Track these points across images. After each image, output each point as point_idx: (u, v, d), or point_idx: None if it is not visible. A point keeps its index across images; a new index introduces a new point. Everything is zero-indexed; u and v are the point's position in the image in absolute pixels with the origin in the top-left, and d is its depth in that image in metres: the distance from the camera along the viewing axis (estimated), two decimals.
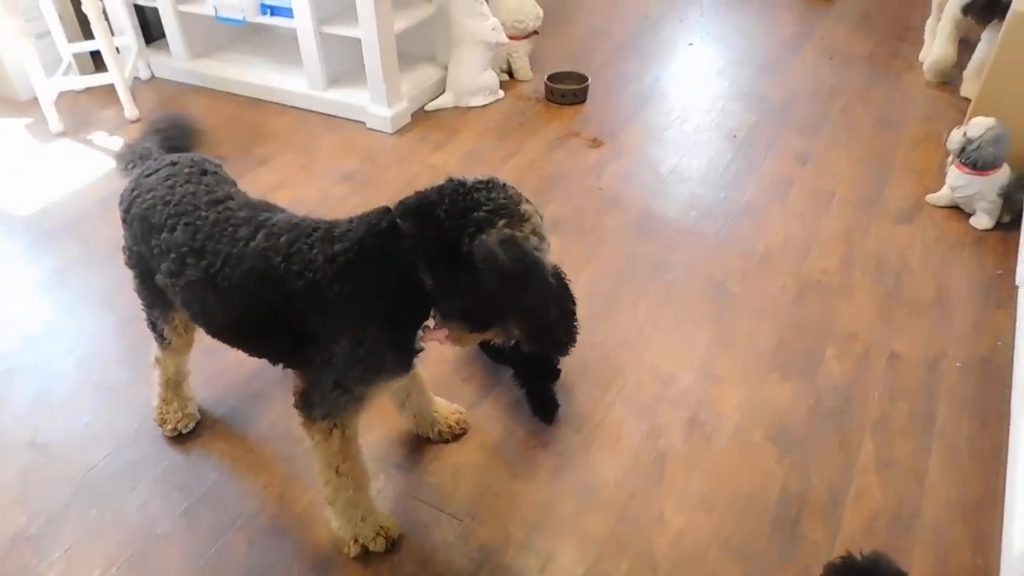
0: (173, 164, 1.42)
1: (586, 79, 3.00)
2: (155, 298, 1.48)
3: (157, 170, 1.41)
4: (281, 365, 1.35)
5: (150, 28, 3.30)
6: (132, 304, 1.99)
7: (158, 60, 3.24)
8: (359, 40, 2.71)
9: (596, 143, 2.69)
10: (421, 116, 2.91)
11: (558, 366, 1.72)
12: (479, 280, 1.09)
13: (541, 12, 3.11)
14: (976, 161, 2.16)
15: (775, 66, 3.27)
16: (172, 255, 1.30)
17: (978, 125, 2.17)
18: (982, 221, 2.23)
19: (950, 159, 2.28)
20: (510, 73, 3.18)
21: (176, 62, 3.20)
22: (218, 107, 3.01)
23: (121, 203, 1.44)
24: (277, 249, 1.22)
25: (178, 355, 1.58)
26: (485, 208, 1.12)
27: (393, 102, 2.80)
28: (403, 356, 1.27)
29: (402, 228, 1.17)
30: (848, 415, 1.69)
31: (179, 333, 1.53)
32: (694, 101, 3.01)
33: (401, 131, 2.81)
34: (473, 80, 2.91)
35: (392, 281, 1.18)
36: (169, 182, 1.37)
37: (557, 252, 2.15)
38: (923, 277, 2.07)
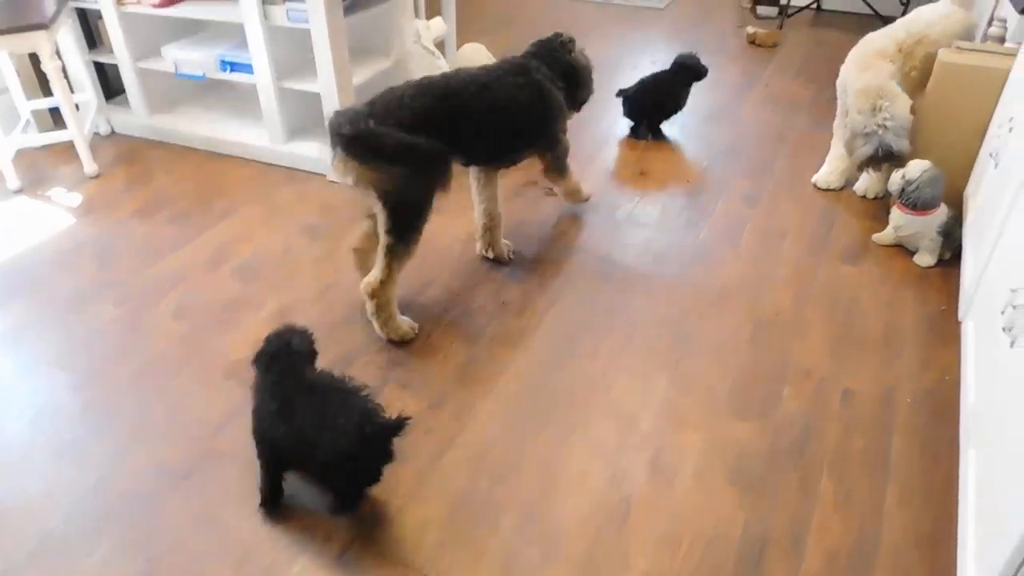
0: None
1: None
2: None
3: None
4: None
5: (110, 84, 3.32)
6: (88, 362, 1.99)
7: (118, 116, 3.25)
8: (318, 94, 2.75)
9: (553, 191, 2.75)
10: None
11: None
12: (580, 79, 2.38)
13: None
14: (915, 202, 2.26)
15: (723, 113, 3.38)
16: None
17: (915, 168, 2.27)
18: (925, 259, 2.32)
19: (892, 200, 2.38)
20: None
21: (136, 118, 3.21)
22: (179, 161, 3.02)
23: None
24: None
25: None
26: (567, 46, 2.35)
27: None
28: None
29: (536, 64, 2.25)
30: (806, 452, 1.73)
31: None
32: (647, 151, 3.09)
33: None
34: None
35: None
36: None
37: (518, 299, 2.20)
38: (872, 314, 2.15)
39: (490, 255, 2.39)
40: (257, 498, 1.60)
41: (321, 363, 1.99)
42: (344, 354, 2.01)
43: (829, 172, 2.75)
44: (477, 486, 1.65)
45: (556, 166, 2.44)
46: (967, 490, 1.52)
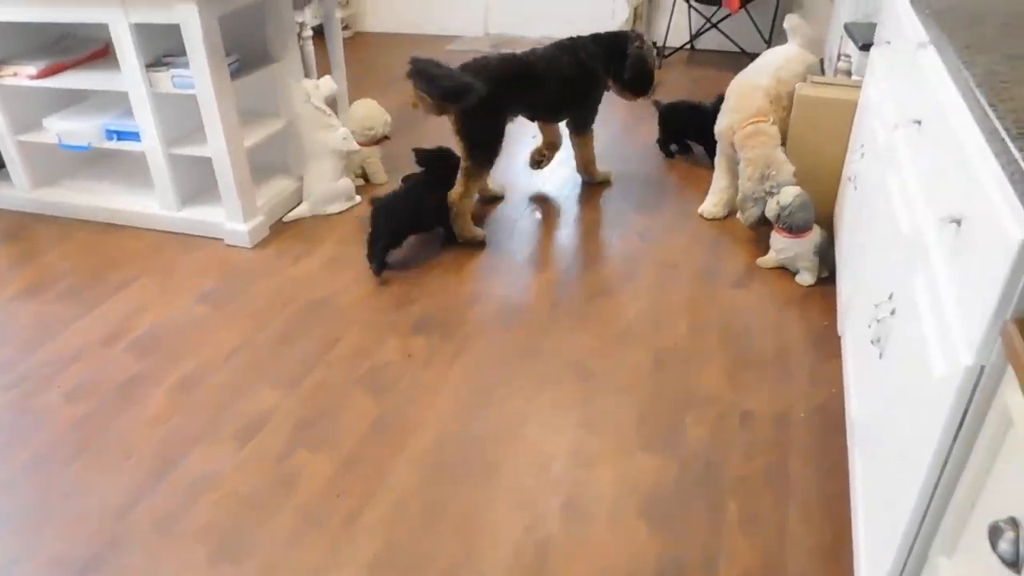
0: None
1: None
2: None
3: None
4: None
5: None
6: None
7: None
8: (210, 158, 2.73)
9: (495, 194, 2.81)
10: (279, 228, 2.94)
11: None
12: (635, 69, 2.94)
13: (389, 118, 3.24)
14: (791, 225, 2.41)
15: (612, 152, 3.52)
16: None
17: (787, 194, 2.43)
18: (805, 278, 2.48)
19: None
20: (365, 178, 3.27)
21: (19, 192, 3.09)
22: (68, 235, 2.92)
23: None
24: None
25: None
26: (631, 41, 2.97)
27: (249, 217, 2.81)
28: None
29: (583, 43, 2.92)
30: (711, 478, 1.80)
31: None
32: (544, 190, 3.19)
33: (260, 245, 2.83)
34: (328, 189, 2.98)
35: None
36: None
37: (424, 351, 2.22)
38: (762, 336, 2.27)
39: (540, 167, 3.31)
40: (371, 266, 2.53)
41: (228, 430, 1.97)
42: (252, 419, 1.98)
43: (714, 204, 2.90)
44: (395, 546, 1.65)
45: (584, 126, 3.09)
46: (857, 499, 1.62)
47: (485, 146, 2.69)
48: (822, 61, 2.85)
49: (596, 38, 2.97)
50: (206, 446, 1.91)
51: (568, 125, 3.12)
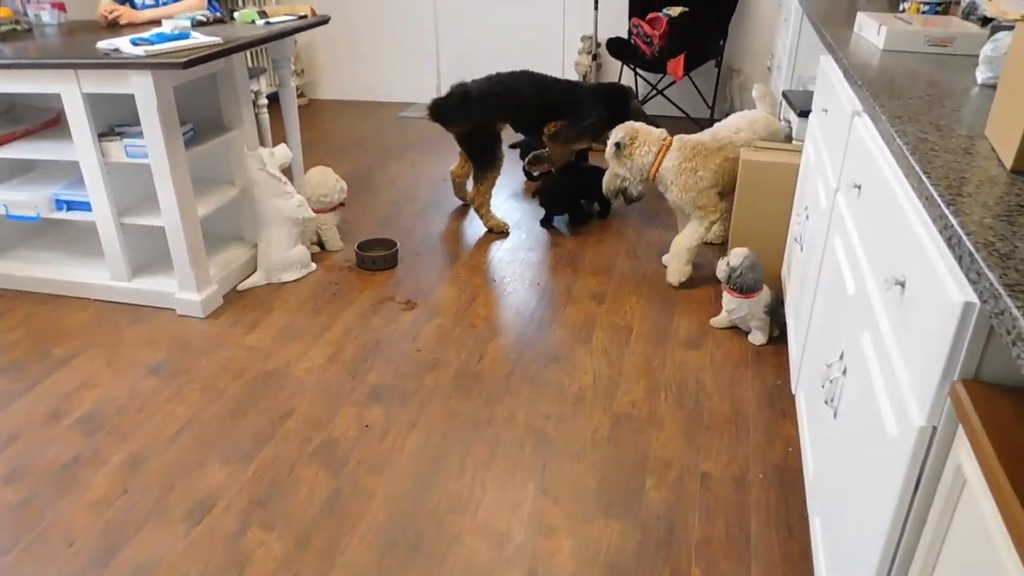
0: None
1: (395, 244, 3.14)
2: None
3: None
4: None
5: None
6: None
7: None
8: (162, 227, 2.69)
9: (410, 305, 2.79)
10: (233, 297, 2.90)
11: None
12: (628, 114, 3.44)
13: (345, 185, 3.25)
14: (741, 286, 2.47)
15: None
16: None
17: (737, 255, 2.49)
18: (757, 337, 2.52)
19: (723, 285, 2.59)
20: (321, 245, 3.26)
21: None
22: (11, 308, 2.83)
23: None
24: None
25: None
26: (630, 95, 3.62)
27: (202, 286, 2.77)
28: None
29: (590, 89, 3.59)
30: (673, 543, 1.79)
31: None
32: (498, 254, 3.22)
33: (213, 315, 2.78)
34: (283, 256, 2.95)
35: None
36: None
37: (380, 422, 2.18)
38: (718, 396, 2.29)
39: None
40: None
41: (177, 511, 1.90)
42: (202, 498, 1.91)
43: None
44: None
45: (557, 136, 3.54)
46: (818, 559, 1.62)
47: (485, 154, 3.36)
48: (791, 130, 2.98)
49: (598, 84, 3.66)
50: (154, 528, 1.83)
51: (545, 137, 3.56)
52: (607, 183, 2.96)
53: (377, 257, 3.07)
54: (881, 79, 1.65)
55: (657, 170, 2.86)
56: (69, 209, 2.82)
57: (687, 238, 2.87)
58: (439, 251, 3.25)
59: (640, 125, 2.93)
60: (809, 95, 2.90)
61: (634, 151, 2.86)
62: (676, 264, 2.91)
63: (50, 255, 3.07)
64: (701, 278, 2.97)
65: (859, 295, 1.44)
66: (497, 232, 3.43)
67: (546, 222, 3.51)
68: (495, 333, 2.64)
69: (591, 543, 1.79)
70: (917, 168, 1.12)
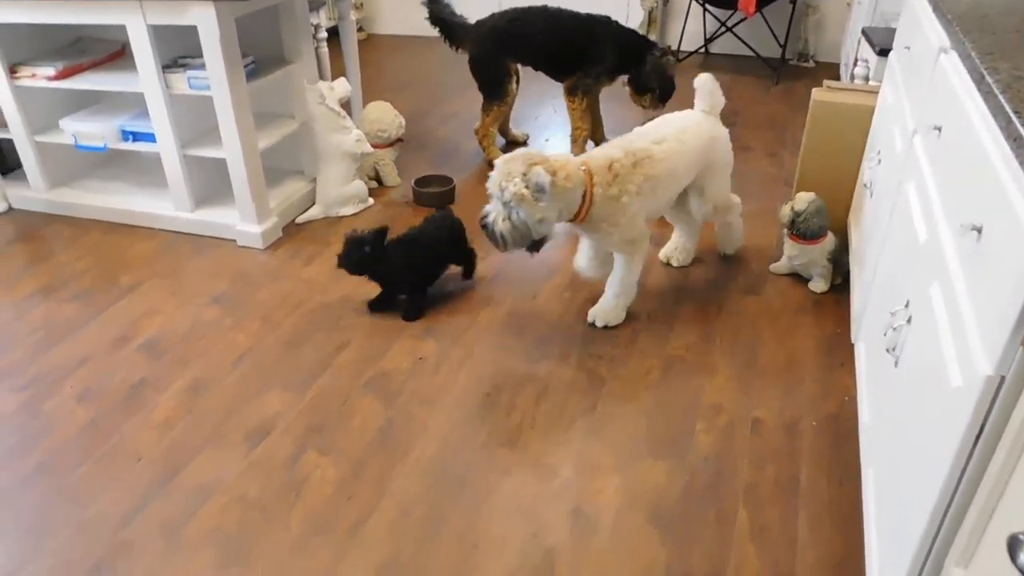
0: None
1: (451, 181, 3.12)
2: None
3: None
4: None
5: (6, 158, 3.21)
6: None
7: (15, 191, 3.15)
8: (224, 160, 2.73)
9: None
10: (292, 229, 2.94)
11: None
12: (655, 74, 3.26)
13: (403, 120, 3.24)
14: (805, 232, 2.39)
15: None
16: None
17: (802, 200, 2.40)
18: (818, 285, 2.45)
19: (785, 230, 2.51)
20: (378, 180, 3.27)
21: (35, 192, 3.11)
22: (81, 236, 2.93)
23: None
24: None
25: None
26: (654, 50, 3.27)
27: (262, 219, 2.81)
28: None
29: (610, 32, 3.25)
30: (721, 487, 1.78)
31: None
32: None
33: (272, 247, 2.83)
34: (341, 191, 2.98)
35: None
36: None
37: (433, 356, 2.21)
38: (773, 343, 2.24)
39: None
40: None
41: (236, 434, 1.97)
42: (261, 423, 1.98)
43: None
44: (401, 553, 1.64)
45: (574, 90, 3.38)
46: (869, 510, 1.59)
47: (489, 83, 3.34)
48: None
49: (621, 30, 3.27)
50: (215, 449, 1.91)
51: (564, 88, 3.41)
52: (508, 235, 2.08)
53: (434, 193, 3.07)
54: (973, 14, 1.54)
55: (589, 207, 2.12)
56: (135, 140, 2.89)
57: (622, 281, 2.30)
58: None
59: (546, 153, 2.10)
60: (890, 32, 2.75)
61: (565, 176, 2.05)
62: (605, 305, 2.34)
63: (115, 185, 3.15)
64: (762, 222, 2.88)
65: (931, 242, 1.37)
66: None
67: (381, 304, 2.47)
68: (550, 272, 2.62)
69: (637, 483, 1.79)
70: (1007, 108, 1.04)
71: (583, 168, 2.11)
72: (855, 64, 3.05)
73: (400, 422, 1.99)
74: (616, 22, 3.26)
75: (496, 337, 2.30)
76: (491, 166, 2.76)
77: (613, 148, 2.18)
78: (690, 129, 2.30)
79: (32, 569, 1.61)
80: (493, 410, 2.02)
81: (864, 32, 2.96)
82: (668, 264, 2.66)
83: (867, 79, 2.82)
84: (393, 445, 1.91)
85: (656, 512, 1.72)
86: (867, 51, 2.90)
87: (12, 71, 2.87)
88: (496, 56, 3.29)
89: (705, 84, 2.41)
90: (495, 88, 3.34)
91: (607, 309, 2.33)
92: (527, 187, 2.01)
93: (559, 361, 2.19)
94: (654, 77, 3.24)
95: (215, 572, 1.59)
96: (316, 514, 1.72)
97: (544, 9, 3.29)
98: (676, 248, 2.64)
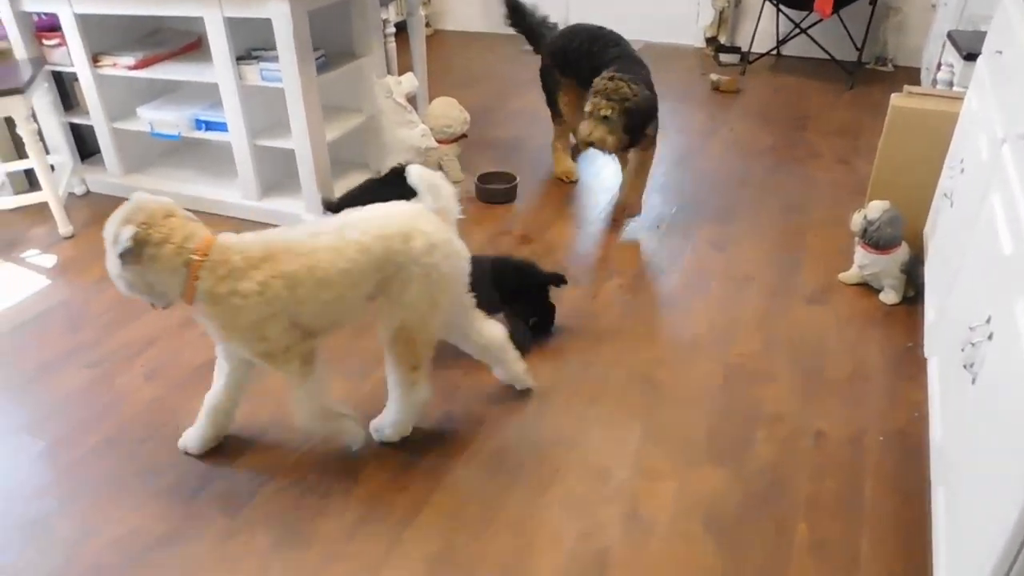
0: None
1: (515, 178, 3.13)
2: None
3: None
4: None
5: (85, 144, 3.34)
6: (59, 428, 1.97)
7: (93, 176, 3.27)
8: (292, 150, 2.79)
9: (526, 240, 2.79)
10: None
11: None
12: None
13: (468, 116, 3.25)
14: (877, 241, 2.31)
15: (688, 159, 3.46)
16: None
17: (875, 208, 2.33)
18: (889, 296, 2.37)
19: (856, 239, 2.44)
20: None
21: (111, 177, 3.23)
22: None
23: None
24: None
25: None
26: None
27: None
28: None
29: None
30: (780, 498, 1.74)
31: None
32: (617, 196, 3.15)
33: None
34: None
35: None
36: None
37: None
38: (840, 354, 2.18)
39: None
40: None
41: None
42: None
43: None
44: (453, 544, 1.64)
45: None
46: (938, 530, 1.53)
47: (546, 96, 3.29)
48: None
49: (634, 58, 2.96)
50: (276, 432, 1.95)
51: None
52: (124, 288, 1.74)
53: (497, 190, 3.07)
54: None
55: (194, 287, 1.63)
56: (208, 129, 2.97)
57: (296, 402, 1.79)
58: (558, 189, 3.21)
59: (175, 211, 1.72)
60: (978, 36, 2.64)
61: (159, 251, 1.63)
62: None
63: (186, 173, 3.25)
64: (832, 230, 2.80)
65: (1017, 256, 1.31)
66: (561, 178, 3.28)
67: None
68: (610, 273, 2.60)
69: (694, 489, 1.76)
70: None
71: (196, 256, 1.62)
72: (938, 69, 2.94)
73: (457, 416, 1.99)
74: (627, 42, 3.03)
75: (554, 336, 2.29)
76: (572, 183, 3.20)
77: (253, 235, 1.73)
78: (376, 221, 1.70)
79: (100, 537, 1.67)
80: (548, 409, 2.01)
81: (950, 35, 2.85)
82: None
83: (951, 85, 2.71)
84: (449, 438, 1.92)
85: (712, 519, 1.69)
86: (952, 55, 2.79)
87: (95, 60, 2.98)
88: (550, 70, 3.20)
89: (425, 179, 1.77)
90: (549, 103, 3.27)
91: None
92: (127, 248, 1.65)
93: (615, 363, 2.17)
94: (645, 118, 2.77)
95: (271, 552, 1.62)
96: (372, 501, 1.74)
97: (589, 28, 3.08)
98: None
